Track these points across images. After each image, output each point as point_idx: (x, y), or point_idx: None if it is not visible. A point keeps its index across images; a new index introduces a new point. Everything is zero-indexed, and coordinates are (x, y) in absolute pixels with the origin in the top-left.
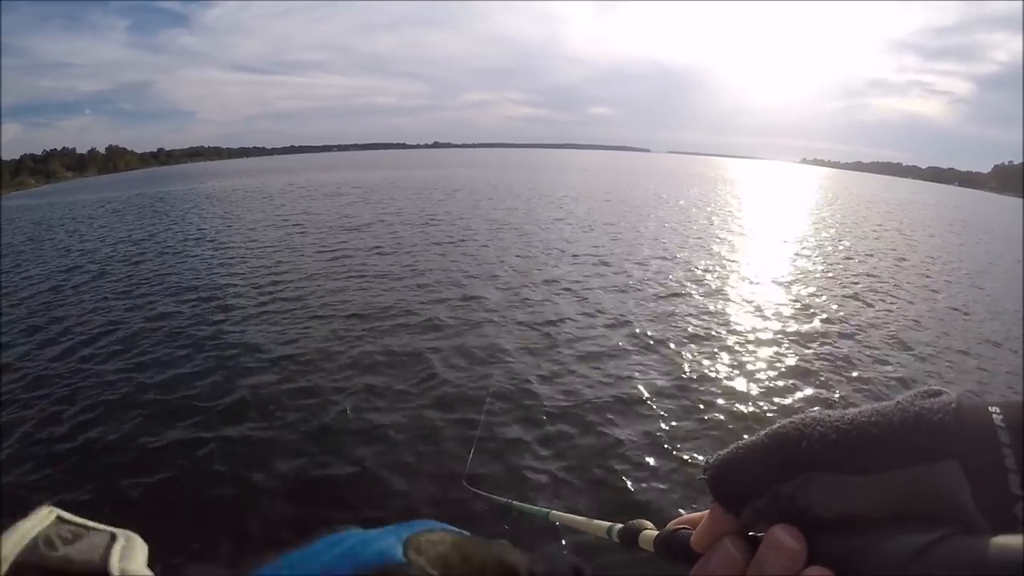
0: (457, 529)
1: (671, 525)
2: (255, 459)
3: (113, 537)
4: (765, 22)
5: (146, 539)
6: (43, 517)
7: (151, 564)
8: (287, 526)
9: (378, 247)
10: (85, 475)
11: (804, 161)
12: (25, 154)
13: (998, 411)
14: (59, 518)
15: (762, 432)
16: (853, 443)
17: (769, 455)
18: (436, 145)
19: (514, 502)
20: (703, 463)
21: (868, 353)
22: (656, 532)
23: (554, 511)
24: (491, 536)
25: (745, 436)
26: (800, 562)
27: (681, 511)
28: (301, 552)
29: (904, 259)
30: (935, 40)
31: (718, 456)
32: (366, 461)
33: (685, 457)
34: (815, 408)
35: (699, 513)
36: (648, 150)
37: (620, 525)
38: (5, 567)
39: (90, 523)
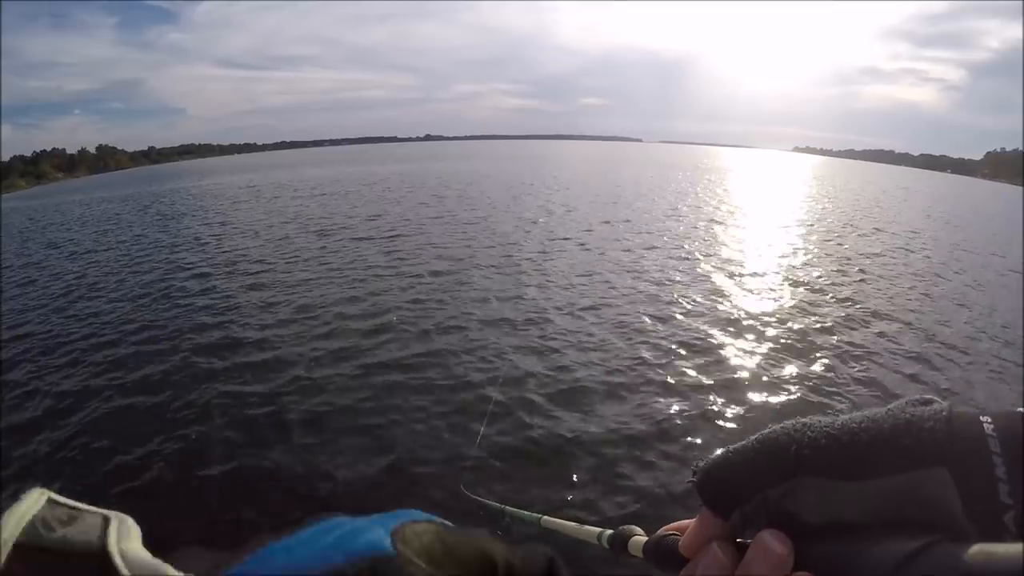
0: (439, 519)
1: (661, 531)
2: (246, 450)
3: (107, 519)
4: (756, 9)
5: (136, 522)
6: (35, 499)
7: (144, 546)
8: (274, 517)
9: (383, 244)
10: (72, 461)
11: (796, 149)
12: (15, 156)
13: (989, 420)
14: (51, 500)
15: (752, 437)
16: (843, 449)
17: (759, 459)
18: (428, 138)
19: (507, 507)
20: (692, 467)
21: (870, 347)
22: (645, 538)
23: (546, 517)
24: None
25: (725, 437)
26: (787, 567)
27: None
28: (291, 539)
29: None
30: (927, 27)
31: (708, 460)
32: (363, 462)
33: (673, 455)
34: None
35: (689, 520)
36: (640, 140)
37: (610, 531)
38: (6, 550)
39: (81, 505)
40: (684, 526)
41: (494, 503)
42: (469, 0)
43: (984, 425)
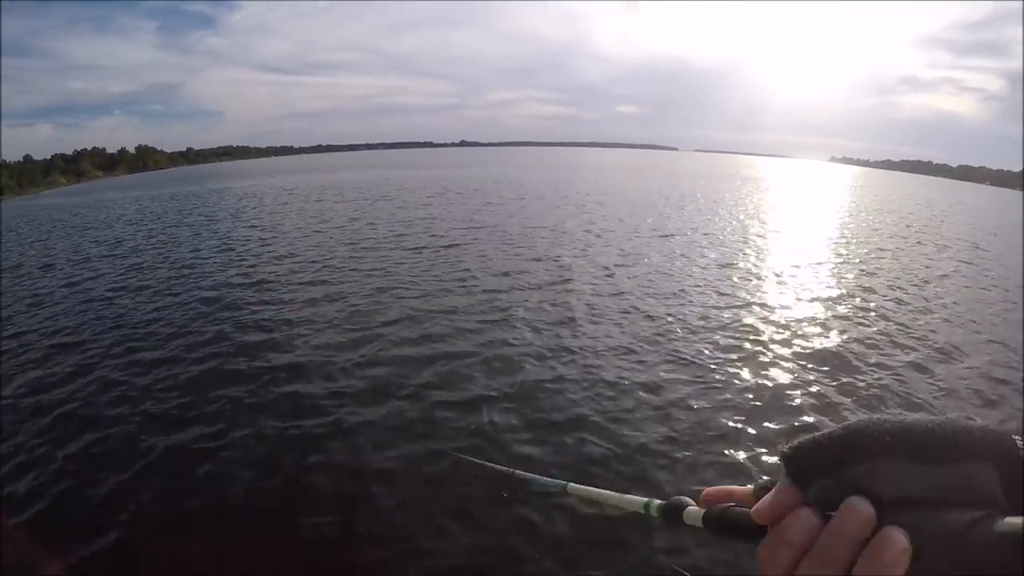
0: None
1: (706, 498)
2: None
3: None
4: (792, 18)
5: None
6: None
7: None
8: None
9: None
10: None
11: (833, 159)
12: (56, 154)
13: (1019, 437)
14: None
15: (837, 426)
16: (917, 439)
17: (843, 441)
18: (463, 144)
19: (518, 471)
20: (780, 448)
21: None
22: (699, 509)
23: (573, 484)
24: (492, 505)
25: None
26: (871, 527)
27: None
28: None
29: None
30: (966, 35)
31: (797, 440)
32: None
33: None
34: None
35: (731, 487)
36: (676, 148)
37: (659, 501)
38: None
39: None
40: (735, 493)
41: (500, 467)
42: (506, 1)
43: (1015, 438)
